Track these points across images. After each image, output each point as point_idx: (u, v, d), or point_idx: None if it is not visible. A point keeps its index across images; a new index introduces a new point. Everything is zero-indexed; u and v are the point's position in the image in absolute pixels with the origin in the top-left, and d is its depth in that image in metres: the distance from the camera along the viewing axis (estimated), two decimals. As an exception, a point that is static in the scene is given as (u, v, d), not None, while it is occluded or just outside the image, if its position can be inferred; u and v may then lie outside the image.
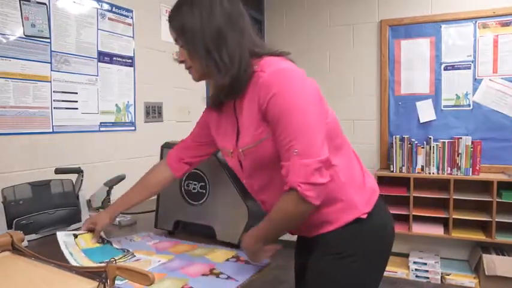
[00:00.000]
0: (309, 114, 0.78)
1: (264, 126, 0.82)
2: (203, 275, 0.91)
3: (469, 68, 2.62)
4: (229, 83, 0.84)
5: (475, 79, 2.62)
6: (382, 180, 2.71)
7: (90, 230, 1.07)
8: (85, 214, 1.36)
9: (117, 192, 1.51)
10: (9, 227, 1.15)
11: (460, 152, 2.55)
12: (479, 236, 2.49)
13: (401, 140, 2.69)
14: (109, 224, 1.08)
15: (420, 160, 2.64)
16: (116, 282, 0.79)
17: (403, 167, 2.67)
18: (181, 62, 0.91)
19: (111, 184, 1.45)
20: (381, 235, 0.95)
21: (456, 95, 2.67)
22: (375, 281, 0.95)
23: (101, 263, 0.92)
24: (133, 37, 1.85)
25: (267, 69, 0.81)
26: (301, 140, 0.78)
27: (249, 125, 0.85)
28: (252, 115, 0.83)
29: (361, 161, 0.98)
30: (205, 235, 1.15)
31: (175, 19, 0.88)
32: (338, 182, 0.88)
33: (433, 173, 2.62)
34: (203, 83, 2.39)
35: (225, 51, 0.83)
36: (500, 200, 2.39)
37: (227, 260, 1.01)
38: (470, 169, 2.53)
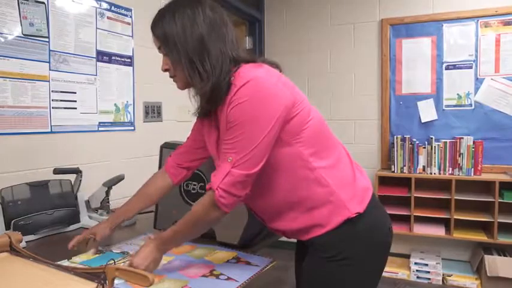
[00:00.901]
0: (258, 132, 0.80)
1: None
2: (203, 276, 0.91)
3: (471, 67, 2.61)
4: (210, 91, 0.84)
5: (477, 78, 2.61)
6: (383, 181, 2.70)
7: (87, 240, 1.04)
8: (84, 215, 1.35)
9: (116, 192, 1.50)
10: (7, 227, 1.15)
11: (461, 152, 2.54)
12: (481, 237, 2.48)
13: (403, 140, 2.68)
14: (109, 235, 1.07)
15: (421, 160, 2.63)
16: (115, 282, 0.78)
17: (404, 167, 2.66)
18: (165, 70, 0.91)
19: (110, 184, 1.43)
20: (376, 235, 0.92)
21: (458, 94, 2.66)
22: (373, 282, 0.93)
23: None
24: (132, 36, 1.84)
25: (238, 82, 0.81)
26: (239, 152, 0.80)
27: (223, 135, 0.86)
28: (223, 124, 0.85)
29: (352, 159, 0.97)
30: (205, 236, 1.14)
31: (158, 28, 0.87)
32: (325, 185, 0.87)
33: (434, 173, 2.60)
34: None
35: (207, 60, 0.83)
36: (502, 201, 2.38)
37: (227, 261, 1.01)
38: (472, 169, 2.52)
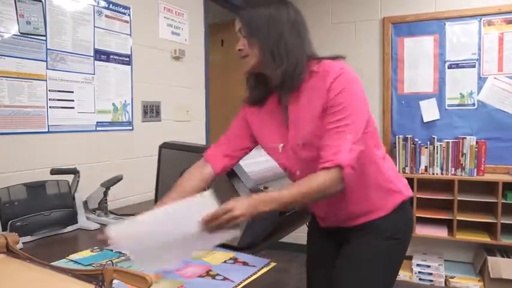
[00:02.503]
0: (364, 112, 0.92)
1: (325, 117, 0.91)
2: (199, 276, 0.90)
3: (474, 66, 2.59)
4: (281, 77, 0.93)
5: (480, 77, 2.58)
6: (384, 181, 2.68)
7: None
8: (81, 216, 1.34)
9: (115, 193, 1.49)
10: (4, 228, 1.14)
11: (464, 152, 2.52)
12: (484, 238, 2.45)
13: (405, 139, 2.66)
14: None
15: (424, 160, 2.61)
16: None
17: (407, 168, 2.64)
18: (239, 50, 0.98)
19: (108, 185, 1.42)
20: (412, 220, 1.11)
21: (460, 93, 2.63)
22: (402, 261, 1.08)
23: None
24: (130, 35, 1.82)
25: (333, 70, 0.91)
26: (356, 130, 0.89)
27: (309, 118, 0.93)
28: (314, 109, 0.92)
29: None
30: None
31: (245, 11, 0.96)
32: (383, 172, 1.01)
33: (436, 174, 2.58)
34: (202, 82, 2.36)
35: (283, 47, 0.91)
36: (505, 202, 2.36)
37: (224, 261, 0.99)
38: (475, 170, 2.49)
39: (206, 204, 0.82)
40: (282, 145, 0.99)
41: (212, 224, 0.81)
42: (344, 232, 1.04)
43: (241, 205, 0.83)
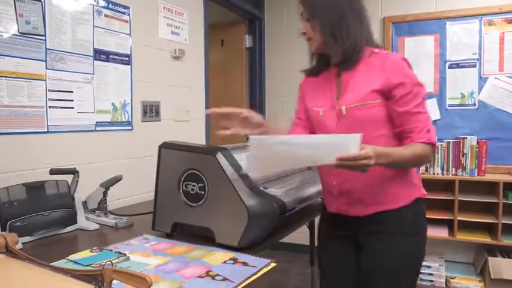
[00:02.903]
0: None
1: (377, 93, 1.01)
2: (199, 276, 0.90)
3: (475, 66, 2.58)
4: (341, 56, 1.03)
5: (481, 77, 2.57)
6: (385, 181, 2.67)
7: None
8: (81, 216, 1.33)
9: (114, 193, 1.49)
10: (3, 229, 1.13)
11: (465, 152, 2.51)
12: (485, 238, 2.45)
13: (405, 139, 2.65)
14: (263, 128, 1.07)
15: (424, 160, 2.60)
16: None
17: (407, 168, 2.63)
18: (302, 33, 1.07)
19: (107, 185, 1.41)
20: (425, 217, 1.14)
21: (461, 93, 2.63)
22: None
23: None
24: (130, 34, 1.82)
25: (394, 54, 1.06)
26: (427, 111, 1.03)
27: (360, 89, 1.02)
28: (369, 82, 1.02)
29: None
30: (204, 237, 1.12)
31: None
32: None
33: (437, 174, 2.58)
34: (202, 82, 2.36)
35: (344, 29, 1.00)
36: (506, 202, 2.35)
37: (224, 262, 0.99)
38: (476, 170, 2.49)
39: (351, 144, 0.86)
40: (324, 109, 1.08)
41: (347, 163, 0.86)
42: (360, 224, 1.08)
43: (376, 155, 0.88)
